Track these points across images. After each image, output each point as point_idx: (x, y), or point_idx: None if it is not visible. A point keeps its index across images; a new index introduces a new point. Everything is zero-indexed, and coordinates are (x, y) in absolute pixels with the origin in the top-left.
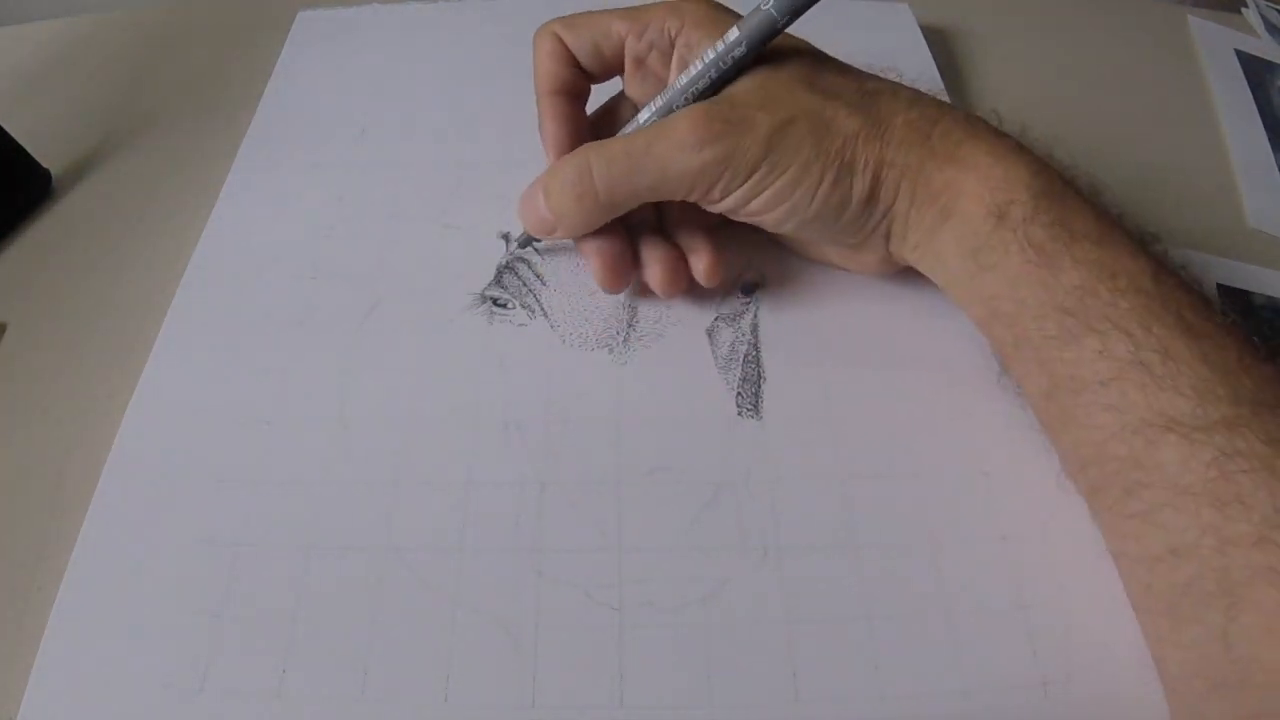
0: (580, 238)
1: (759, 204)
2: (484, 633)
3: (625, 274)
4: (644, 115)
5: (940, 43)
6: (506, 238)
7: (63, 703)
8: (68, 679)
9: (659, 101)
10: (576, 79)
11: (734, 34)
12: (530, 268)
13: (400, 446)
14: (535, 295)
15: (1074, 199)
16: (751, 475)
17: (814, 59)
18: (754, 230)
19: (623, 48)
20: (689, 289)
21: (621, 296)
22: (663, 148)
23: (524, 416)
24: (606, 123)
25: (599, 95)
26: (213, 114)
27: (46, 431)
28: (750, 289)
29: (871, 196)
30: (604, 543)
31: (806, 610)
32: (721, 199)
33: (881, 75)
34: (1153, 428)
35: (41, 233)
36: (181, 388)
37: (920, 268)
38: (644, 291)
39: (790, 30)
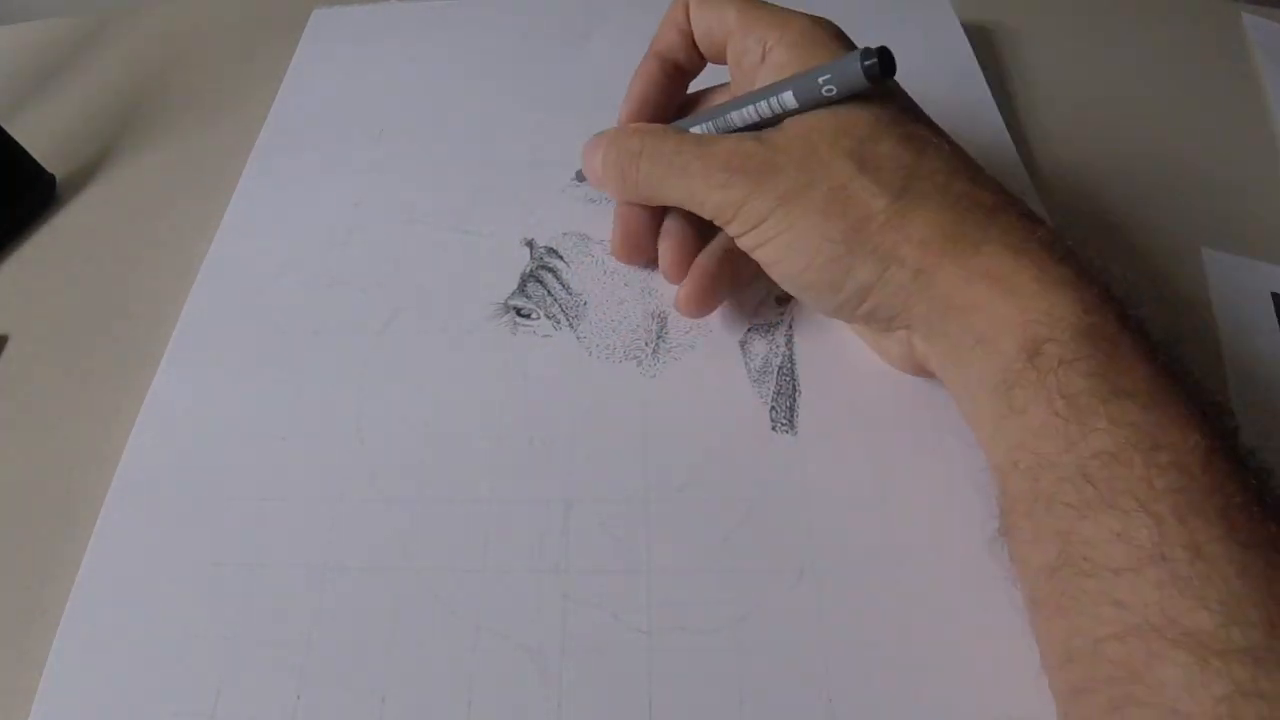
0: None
1: (762, 255)
2: (507, 657)
3: (638, 250)
4: (699, 126)
5: (982, 39)
6: (530, 244)
7: None
8: (73, 706)
9: (724, 114)
10: (686, 53)
11: (807, 80)
12: (556, 276)
13: (420, 462)
14: (561, 305)
15: (1129, 349)
16: (786, 492)
17: (891, 113)
18: None
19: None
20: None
21: (651, 306)
22: (697, 168)
23: (549, 431)
24: (695, 105)
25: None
26: (223, 116)
27: (50, 448)
28: (785, 299)
29: (870, 289)
30: (632, 563)
31: (844, 633)
32: (737, 237)
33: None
34: (1162, 638)
35: (45, 240)
36: (191, 401)
37: (948, 389)
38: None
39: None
